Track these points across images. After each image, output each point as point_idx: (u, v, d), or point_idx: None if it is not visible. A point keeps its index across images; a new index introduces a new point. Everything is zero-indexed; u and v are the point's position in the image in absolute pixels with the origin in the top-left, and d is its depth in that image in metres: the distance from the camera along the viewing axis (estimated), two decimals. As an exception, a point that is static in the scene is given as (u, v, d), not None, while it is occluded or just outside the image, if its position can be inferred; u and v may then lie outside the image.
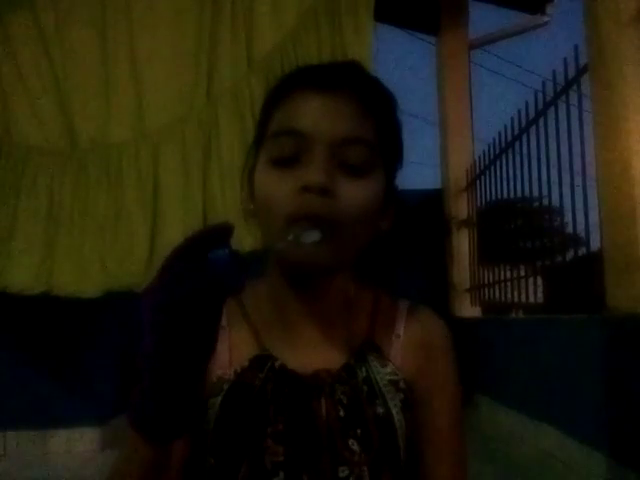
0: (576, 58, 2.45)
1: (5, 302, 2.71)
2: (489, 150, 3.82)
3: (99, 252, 2.54)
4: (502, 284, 3.65)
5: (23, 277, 2.54)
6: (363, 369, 0.65)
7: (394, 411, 0.63)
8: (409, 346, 0.68)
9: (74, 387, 3.22)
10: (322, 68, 0.65)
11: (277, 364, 0.64)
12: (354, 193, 0.59)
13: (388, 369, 0.66)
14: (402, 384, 0.65)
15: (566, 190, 2.65)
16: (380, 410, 0.63)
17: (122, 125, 2.64)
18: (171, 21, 2.68)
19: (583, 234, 2.47)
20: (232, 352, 0.66)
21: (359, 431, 0.62)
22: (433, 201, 4.28)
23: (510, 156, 3.47)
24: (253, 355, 0.65)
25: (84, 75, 2.67)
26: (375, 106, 0.63)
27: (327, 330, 0.67)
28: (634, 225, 1.93)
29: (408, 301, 0.73)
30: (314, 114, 0.60)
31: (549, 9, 4.38)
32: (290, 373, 0.64)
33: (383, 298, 0.72)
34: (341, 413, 0.62)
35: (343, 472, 0.61)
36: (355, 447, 0.61)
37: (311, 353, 0.66)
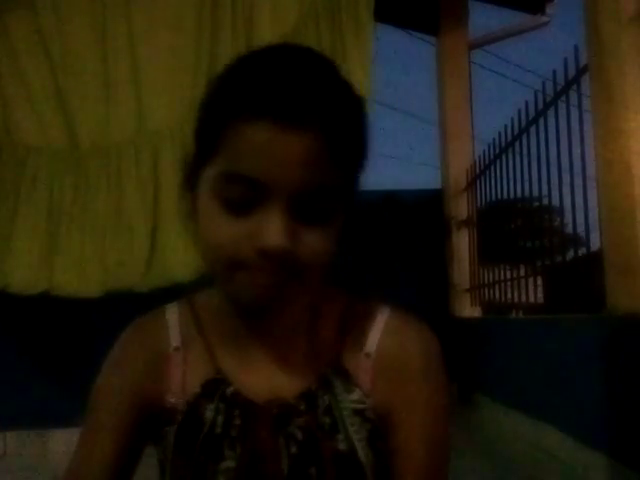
0: (576, 58, 2.45)
1: (5, 302, 2.71)
2: (489, 150, 3.82)
3: (99, 252, 2.54)
4: (502, 284, 3.65)
5: (23, 277, 2.54)
6: (326, 397, 0.60)
7: (359, 445, 0.58)
8: (381, 366, 0.62)
9: (74, 387, 3.21)
10: (280, 89, 0.51)
11: (229, 391, 0.60)
12: (316, 243, 0.53)
13: (354, 396, 0.60)
14: (369, 413, 0.60)
15: (566, 190, 2.64)
16: (342, 446, 0.58)
17: (122, 125, 2.65)
18: (171, 22, 2.68)
19: (583, 234, 2.47)
20: (186, 376, 0.62)
21: (314, 470, 0.57)
22: (433, 201, 4.28)
23: (510, 156, 3.47)
24: (205, 379, 0.61)
25: (84, 75, 2.67)
26: (340, 146, 0.53)
27: (285, 352, 0.62)
28: (634, 225, 1.93)
29: (389, 309, 0.65)
30: (272, 159, 0.51)
31: (549, 9, 4.38)
32: (242, 401, 0.59)
33: (356, 308, 0.65)
34: (293, 450, 0.58)
35: None
36: (314, 474, 0.57)
37: (267, 377, 0.61)
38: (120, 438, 0.61)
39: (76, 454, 0.62)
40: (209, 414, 0.59)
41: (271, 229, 0.51)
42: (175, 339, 0.64)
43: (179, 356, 0.63)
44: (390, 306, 0.66)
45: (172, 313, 0.66)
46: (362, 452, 0.58)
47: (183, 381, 0.62)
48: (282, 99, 0.51)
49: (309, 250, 0.53)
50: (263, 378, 0.61)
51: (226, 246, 0.53)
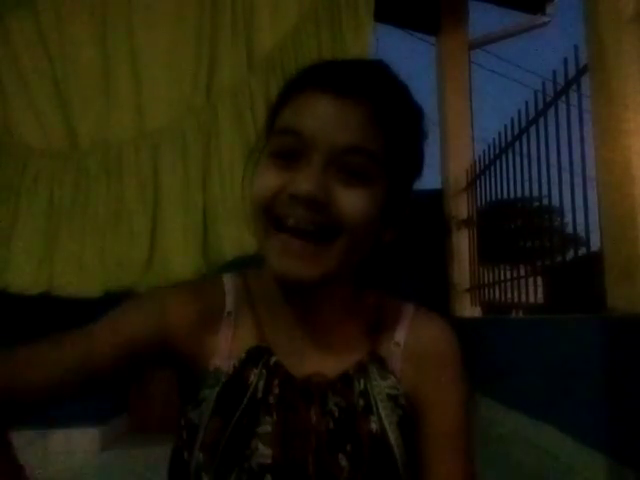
0: (576, 58, 2.45)
1: (5, 302, 2.71)
2: (489, 150, 3.82)
3: (99, 252, 2.54)
4: (502, 284, 3.65)
5: (23, 277, 2.54)
6: (362, 381, 0.63)
7: (390, 428, 0.60)
8: (409, 355, 0.66)
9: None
10: (338, 68, 0.62)
11: (272, 360, 0.62)
12: (350, 200, 0.57)
13: (389, 382, 0.63)
14: (401, 399, 0.63)
15: (566, 190, 2.65)
16: (374, 427, 0.60)
17: (122, 125, 2.64)
18: (171, 21, 2.68)
19: (583, 234, 2.47)
20: (234, 342, 0.65)
21: (349, 447, 0.59)
22: (433, 201, 4.28)
23: (510, 156, 3.47)
24: (251, 346, 0.63)
25: (84, 75, 2.67)
26: (386, 119, 0.59)
27: (325, 337, 0.65)
28: (634, 225, 1.93)
29: (414, 306, 0.70)
30: (319, 118, 0.58)
31: (549, 9, 4.38)
32: (283, 372, 0.62)
33: (386, 303, 0.70)
34: (330, 425, 0.60)
35: None
36: (344, 463, 0.59)
37: (308, 357, 0.64)
38: (106, 364, 0.63)
39: (49, 344, 0.64)
40: (253, 378, 0.61)
41: (304, 176, 0.57)
42: (230, 305, 0.67)
43: (230, 321, 0.66)
44: (413, 303, 0.71)
45: (229, 281, 0.69)
46: (392, 435, 0.60)
47: (231, 346, 0.65)
48: (331, 75, 0.60)
49: (342, 207, 0.57)
50: (303, 357, 0.64)
51: (266, 194, 0.58)
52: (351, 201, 0.57)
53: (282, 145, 0.59)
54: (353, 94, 0.58)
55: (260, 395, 0.60)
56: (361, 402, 0.61)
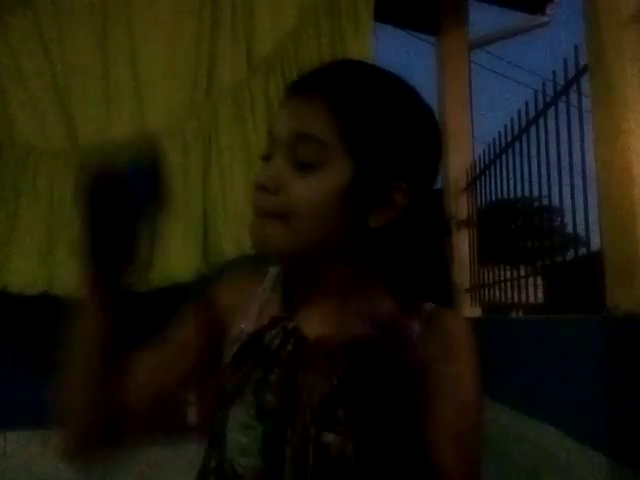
0: (576, 58, 2.45)
1: (5, 302, 2.71)
2: (489, 150, 3.82)
3: (99, 252, 2.54)
4: (502, 284, 3.65)
5: (23, 277, 2.54)
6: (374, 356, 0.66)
7: (399, 401, 0.61)
8: (426, 342, 0.68)
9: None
10: (308, 72, 0.70)
11: (290, 325, 0.69)
12: (297, 188, 0.65)
13: (403, 364, 0.65)
14: (414, 380, 0.63)
15: (566, 190, 2.64)
16: (380, 395, 0.61)
17: (122, 125, 2.64)
18: (171, 21, 2.68)
19: (583, 234, 2.47)
20: (261, 312, 0.74)
21: (349, 404, 0.62)
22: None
23: (510, 156, 3.47)
24: (272, 316, 0.71)
25: (84, 75, 2.67)
26: (339, 103, 0.65)
27: (338, 315, 0.69)
28: (634, 225, 1.93)
29: (432, 304, 0.73)
30: (282, 117, 0.68)
31: (549, 9, 4.37)
32: (299, 334, 0.68)
33: (406, 301, 0.72)
34: (334, 381, 0.64)
35: (327, 438, 0.62)
36: (342, 416, 0.62)
37: (326, 328, 0.69)
38: (190, 345, 0.74)
39: (149, 347, 0.75)
40: (268, 336, 0.69)
41: (264, 169, 0.67)
42: (266, 283, 0.78)
43: (262, 296, 0.77)
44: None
45: (274, 268, 0.80)
46: (399, 407, 0.62)
47: (258, 315, 0.74)
48: (299, 79, 0.69)
49: (290, 193, 0.65)
50: (322, 326, 0.70)
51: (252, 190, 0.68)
52: (298, 188, 0.65)
53: (266, 148, 0.70)
54: (306, 90, 0.67)
55: (274, 349, 0.67)
56: (371, 371, 0.64)
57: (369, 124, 0.66)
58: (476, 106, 4.45)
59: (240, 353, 0.69)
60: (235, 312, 0.75)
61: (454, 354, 0.69)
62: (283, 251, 0.67)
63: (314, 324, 0.70)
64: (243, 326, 0.73)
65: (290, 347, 0.67)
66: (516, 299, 3.46)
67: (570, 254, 3.04)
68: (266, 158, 0.69)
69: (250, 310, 0.75)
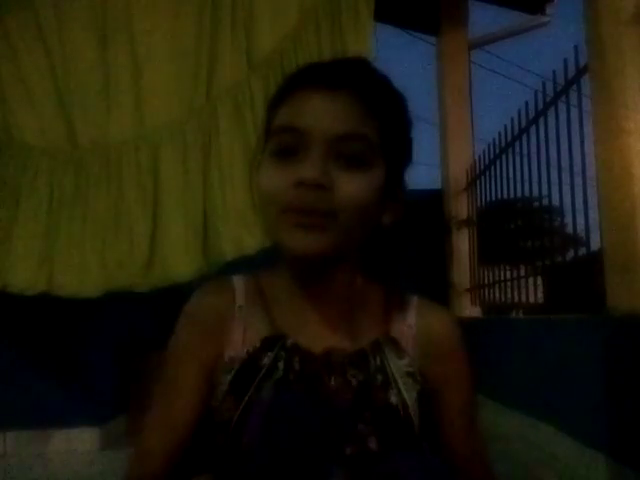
0: (576, 58, 2.45)
1: (5, 302, 2.71)
2: (489, 150, 3.82)
3: (99, 252, 2.54)
4: (502, 284, 3.65)
5: (23, 277, 2.54)
6: (377, 358, 0.66)
7: (410, 402, 0.64)
8: (421, 336, 0.70)
9: (74, 387, 3.21)
10: (326, 66, 0.67)
11: (289, 342, 0.66)
12: (350, 184, 0.61)
13: (405, 361, 0.67)
14: (418, 376, 0.66)
15: (566, 190, 2.64)
16: (393, 400, 0.63)
17: (122, 125, 2.64)
18: (171, 21, 2.68)
19: (583, 234, 2.47)
20: (246, 333, 0.68)
21: (368, 414, 0.62)
22: (433, 201, 4.28)
23: (510, 156, 3.47)
24: (264, 336, 0.67)
25: (84, 75, 2.67)
26: (377, 105, 0.64)
27: (339, 319, 0.69)
28: (634, 225, 1.93)
29: (416, 295, 0.75)
30: (313, 112, 0.62)
31: (549, 9, 4.38)
32: (301, 350, 0.65)
33: (393, 292, 0.74)
34: (349, 396, 0.63)
35: (349, 451, 0.61)
36: (363, 429, 0.62)
37: (324, 336, 0.68)
38: (194, 395, 0.67)
39: (155, 409, 0.69)
40: (266, 360, 0.64)
41: (307, 165, 0.61)
42: (240, 298, 0.71)
43: (242, 314, 0.70)
44: (415, 294, 0.75)
45: (238, 279, 0.74)
46: (412, 408, 0.64)
47: (243, 337, 0.68)
48: (322, 73, 0.65)
49: (343, 190, 0.61)
50: (319, 337, 0.67)
51: (273, 190, 0.62)
52: (351, 186, 0.61)
53: (281, 143, 0.63)
54: (342, 86, 0.63)
55: (280, 374, 0.63)
56: (379, 377, 0.64)
57: (397, 125, 0.67)
58: (476, 106, 4.45)
59: (237, 381, 0.64)
60: (217, 337, 0.69)
61: (447, 344, 0.71)
62: (327, 250, 0.62)
63: (315, 335, 0.67)
64: (232, 353, 0.67)
65: (298, 367, 0.64)
66: (516, 299, 3.46)
67: (570, 254, 3.05)
68: (285, 153, 0.63)
69: (233, 333, 0.68)
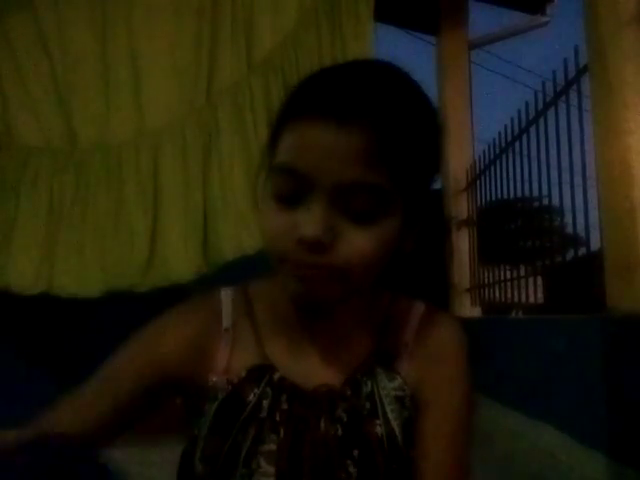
0: (576, 58, 2.45)
1: (5, 302, 2.71)
2: (489, 150, 3.82)
3: (99, 252, 2.54)
4: (502, 284, 3.65)
5: (23, 277, 2.54)
6: (369, 383, 0.62)
7: (397, 430, 0.60)
8: (416, 356, 0.66)
9: (74, 387, 3.21)
10: (340, 87, 0.55)
11: (276, 376, 0.61)
12: (358, 240, 0.54)
13: (395, 384, 0.63)
14: (408, 402, 0.62)
15: (566, 190, 2.64)
16: (378, 430, 0.60)
17: (122, 125, 2.65)
18: (171, 21, 2.68)
19: (583, 234, 2.47)
20: (232, 358, 0.63)
21: (356, 452, 0.59)
22: (433, 201, 4.27)
23: (510, 156, 3.47)
24: (252, 364, 0.62)
25: (84, 75, 2.67)
26: (396, 142, 0.54)
27: (333, 345, 0.65)
28: (634, 225, 1.93)
29: (425, 306, 0.69)
30: (318, 151, 0.53)
31: (549, 9, 4.38)
32: (289, 386, 0.61)
33: (398, 303, 0.69)
34: (339, 432, 0.60)
35: None
36: (352, 469, 0.59)
37: (314, 365, 0.64)
38: (124, 400, 0.63)
39: (79, 393, 0.68)
40: (252, 398, 0.60)
41: (309, 219, 0.53)
42: (227, 320, 0.66)
43: (228, 337, 0.64)
44: (424, 302, 0.70)
45: (227, 296, 0.68)
46: (399, 436, 0.60)
47: (228, 363, 0.63)
48: (332, 99, 0.53)
49: (349, 247, 0.54)
50: (310, 366, 0.63)
51: (273, 238, 0.56)
52: (360, 242, 0.54)
53: (282, 187, 0.55)
54: (355, 119, 0.52)
55: (265, 414, 0.59)
56: (367, 405, 0.61)
57: (416, 164, 0.58)
58: (476, 106, 4.45)
59: (220, 415, 0.60)
60: (196, 359, 0.64)
61: (443, 360, 0.66)
62: (329, 301, 0.58)
63: (308, 369, 0.63)
64: (215, 379, 0.62)
65: (285, 406, 0.60)
66: (516, 299, 3.46)
67: (570, 254, 3.05)
68: (287, 200, 0.55)
69: (217, 358, 0.63)
